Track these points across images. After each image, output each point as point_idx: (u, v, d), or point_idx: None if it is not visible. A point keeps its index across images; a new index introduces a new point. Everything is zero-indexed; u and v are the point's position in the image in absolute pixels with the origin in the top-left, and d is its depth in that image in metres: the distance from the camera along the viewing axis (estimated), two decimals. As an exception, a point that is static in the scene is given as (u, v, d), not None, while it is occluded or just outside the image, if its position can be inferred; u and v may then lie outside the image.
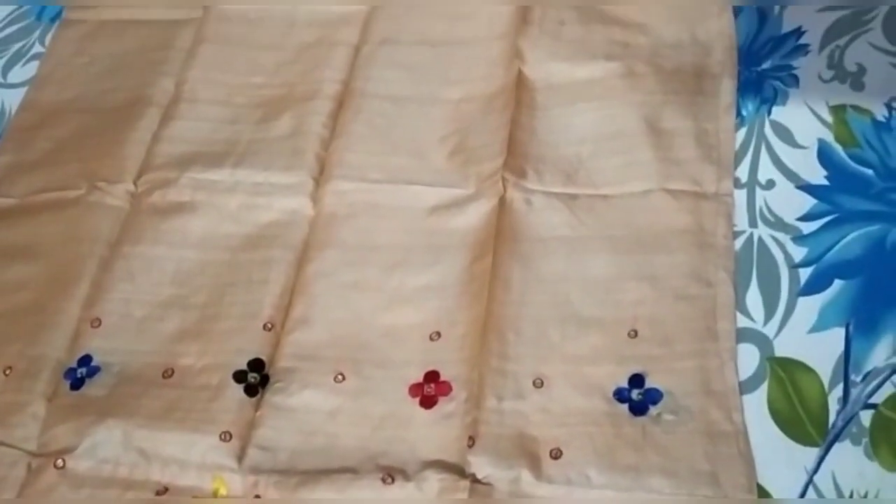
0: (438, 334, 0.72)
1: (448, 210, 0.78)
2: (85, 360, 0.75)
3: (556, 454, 0.63)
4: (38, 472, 0.70)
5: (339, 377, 0.71)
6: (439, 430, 0.67)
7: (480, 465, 0.64)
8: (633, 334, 0.68)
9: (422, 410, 0.68)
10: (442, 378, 0.69)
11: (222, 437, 0.68)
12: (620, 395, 0.65)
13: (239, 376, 0.72)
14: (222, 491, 0.67)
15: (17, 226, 0.87)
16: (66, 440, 0.70)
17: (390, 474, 0.64)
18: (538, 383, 0.67)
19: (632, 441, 0.63)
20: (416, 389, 0.69)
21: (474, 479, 0.63)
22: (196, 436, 0.69)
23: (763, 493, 0.59)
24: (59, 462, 0.70)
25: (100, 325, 0.77)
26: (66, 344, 0.77)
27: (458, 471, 0.64)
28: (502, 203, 0.77)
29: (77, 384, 0.74)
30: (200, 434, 0.69)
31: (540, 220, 0.75)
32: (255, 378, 0.72)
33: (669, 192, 0.74)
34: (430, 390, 0.69)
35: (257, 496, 0.66)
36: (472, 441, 0.65)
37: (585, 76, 0.83)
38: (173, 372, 0.73)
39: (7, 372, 0.76)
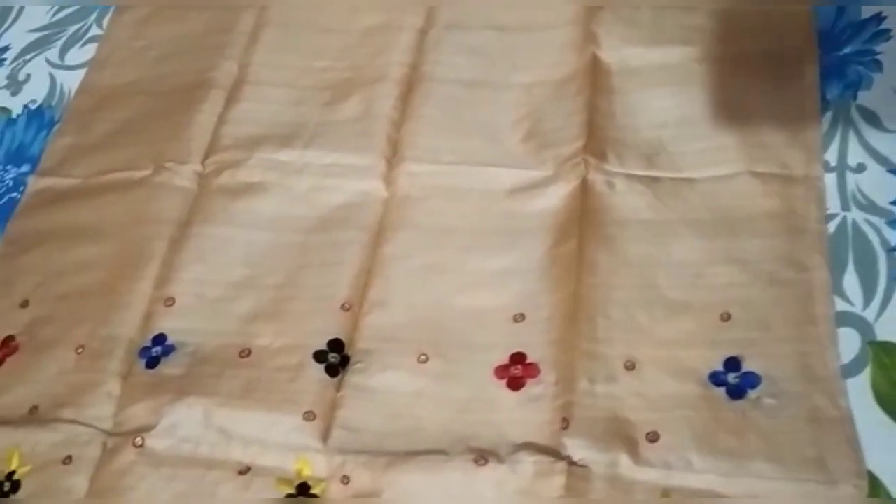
0: (522, 316, 0.70)
1: (526, 192, 0.77)
2: (159, 339, 0.74)
3: (652, 437, 0.62)
4: (115, 450, 0.69)
5: (423, 357, 0.69)
6: (528, 412, 0.65)
7: (576, 448, 0.62)
8: (726, 318, 0.66)
9: (509, 392, 0.67)
10: (528, 360, 0.68)
11: (306, 416, 0.67)
12: (716, 379, 0.64)
13: (319, 356, 0.70)
14: (305, 471, 0.66)
15: (82, 206, 0.86)
16: (145, 419, 0.69)
17: (483, 456, 0.63)
18: (629, 366, 0.66)
19: (732, 425, 0.61)
20: (501, 371, 0.68)
21: (570, 462, 0.62)
22: (278, 415, 0.67)
23: (872, 479, 0.58)
24: (138, 440, 0.68)
25: (173, 304, 0.76)
26: (139, 323, 0.75)
27: (553, 453, 0.62)
28: (584, 186, 0.75)
29: (153, 363, 0.73)
30: (283, 414, 0.67)
31: (623, 203, 0.74)
32: (336, 358, 0.70)
33: (756, 174, 0.73)
34: (516, 372, 0.68)
35: (345, 477, 0.64)
36: (566, 423, 0.63)
37: (661, 60, 0.82)
38: (250, 352, 0.72)
39: (79, 351, 0.75)
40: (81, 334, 0.76)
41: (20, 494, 0.69)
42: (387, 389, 0.68)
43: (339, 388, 0.69)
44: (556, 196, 0.76)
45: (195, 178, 0.85)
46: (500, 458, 0.63)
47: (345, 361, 0.70)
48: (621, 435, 0.62)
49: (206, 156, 0.85)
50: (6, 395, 0.75)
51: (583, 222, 0.73)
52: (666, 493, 0.60)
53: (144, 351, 0.74)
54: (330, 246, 0.78)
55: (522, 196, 0.77)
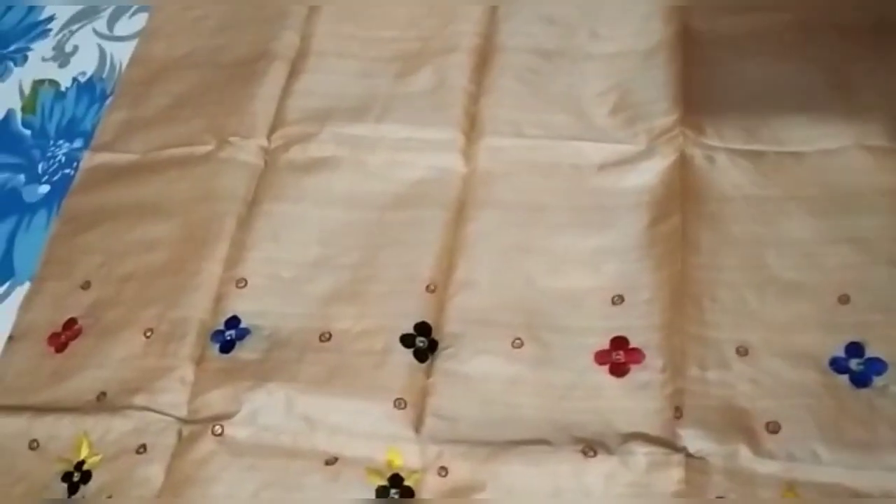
0: (621, 298, 0.66)
1: (618, 168, 0.73)
2: (232, 322, 0.70)
3: (773, 428, 0.58)
4: (193, 439, 0.65)
5: (517, 342, 0.66)
6: (636, 400, 0.61)
7: (692, 439, 0.58)
8: (845, 300, 0.62)
9: (612, 379, 0.63)
10: (631, 345, 0.64)
11: (397, 404, 0.63)
12: (838, 366, 0.60)
13: (406, 340, 0.66)
14: (397, 462, 0.62)
15: (143, 183, 0.82)
16: (222, 406, 0.66)
17: (590, 447, 0.59)
18: (742, 352, 0.62)
19: (858, 415, 0.57)
20: (602, 357, 0.64)
21: (687, 454, 0.58)
22: (366, 403, 0.64)
23: None
24: (217, 429, 0.65)
25: (245, 285, 0.72)
26: (210, 305, 0.72)
27: (668, 444, 0.58)
28: (682, 160, 0.71)
29: (227, 347, 0.69)
30: (371, 401, 0.64)
31: (724, 179, 0.69)
32: (423, 343, 0.66)
33: (867, 148, 0.68)
34: (619, 357, 0.64)
35: (442, 468, 0.61)
36: (678, 412, 0.59)
37: (754, 27, 0.78)
38: (330, 336, 0.68)
39: (147, 335, 0.71)
40: (149, 317, 0.72)
41: (92, 485, 0.65)
42: (481, 376, 0.64)
43: (428, 373, 0.65)
44: (652, 172, 0.72)
45: (261, 153, 0.81)
46: (609, 450, 0.59)
47: (433, 346, 0.66)
48: (739, 425, 0.59)
49: (272, 130, 0.81)
50: (71, 380, 0.71)
51: (683, 199, 0.69)
52: (791, 486, 0.56)
53: (217, 335, 0.70)
54: (409, 224, 0.73)
55: (614, 172, 0.73)
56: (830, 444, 0.57)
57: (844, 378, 0.59)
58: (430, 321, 0.68)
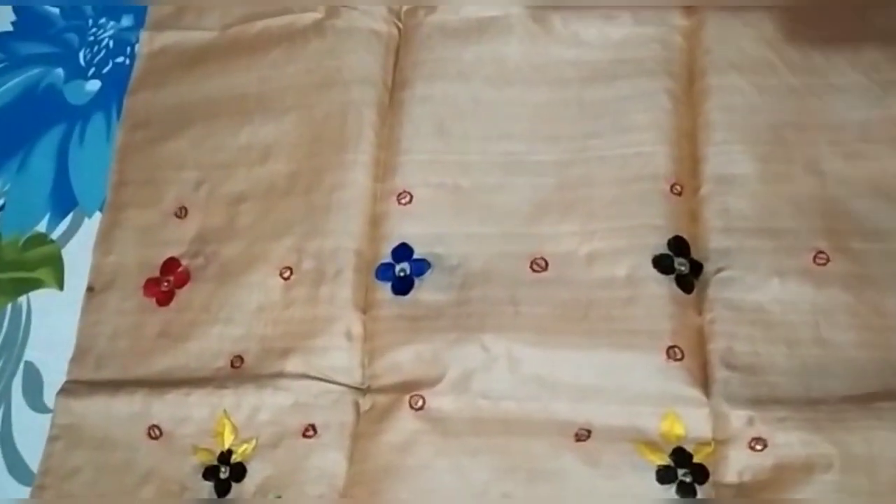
0: (953, 185, 0.48)
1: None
2: (402, 251, 0.52)
3: None
4: (380, 415, 0.48)
5: (821, 256, 0.48)
6: None
7: None
8: None
9: (963, 299, 0.46)
10: (983, 250, 0.47)
11: (670, 353, 0.46)
12: None
13: (663, 263, 0.48)
14: (677, 431, 0.46)
15: (233, 69, 0.60)
16: (420, 369, 0.48)
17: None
18: None
19: None
20: (950, 268, 0.47)
21: None
22: (624, 354, 0.46)
23: None
24: (417, 401, 0.48)
25: (410, 200, 0.53)
26: (366, 230, 0.53)
27: None
28: None
29: (403, 286, 0.51)
30: (633, 351, 0.46)
31: None
32: (685, 265, 0.48)
33: None
34: (969, 269, 0.47)
35: (757, 440, 0.44)
36: None
37: None
38: (546, 264, 0.50)
39: (286, 275, 0.53)
40: (283, 251, 0.53)
41: (248, 483, 0.49)
42: (776, 306, 0.46)
43: (699, 308, 0.48)
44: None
45: (391, 17, 0.60)
46: None
47: (696, 269, 0.49)
48: None
49: (401, -16, 0.60)
50: (190, 341, 0.53)
51: None
52: None
53: (385, 269, 0.51)
54: (623, 101, 0.53)
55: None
56: None
57: None
58: (684, 235, 0.50)
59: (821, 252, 0.48)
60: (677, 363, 0.46)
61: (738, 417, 0.44)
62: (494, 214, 0.52)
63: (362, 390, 0.50)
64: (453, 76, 0.56)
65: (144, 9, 0.67)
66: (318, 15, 0.60)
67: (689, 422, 0.45)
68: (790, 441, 0.43)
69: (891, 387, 0.44)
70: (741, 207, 0.49)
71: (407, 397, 0.48)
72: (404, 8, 0.59)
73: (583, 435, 0.46)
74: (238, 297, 0.53)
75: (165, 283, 0.55)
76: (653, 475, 0.45)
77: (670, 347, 0.46)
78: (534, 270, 0.50)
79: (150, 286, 0.56)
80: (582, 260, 0.50)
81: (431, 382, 0.48)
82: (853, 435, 0.43)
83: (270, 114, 0.58)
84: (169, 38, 0.64)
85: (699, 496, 0.44)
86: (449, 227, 0.52)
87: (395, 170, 0.54)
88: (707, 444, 0.45)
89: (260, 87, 0.59)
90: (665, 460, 0.45)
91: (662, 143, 0.52)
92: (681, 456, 0.45)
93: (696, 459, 0.45)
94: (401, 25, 0.59)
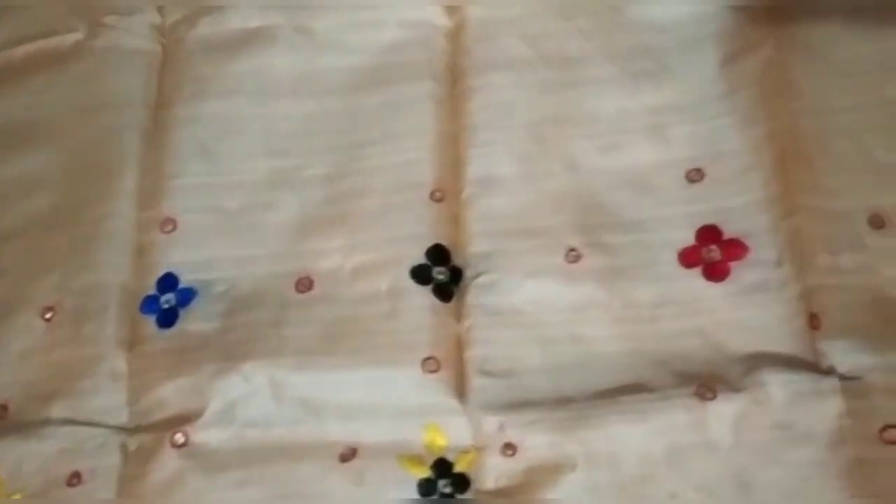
0: (699, 172, 0.49)
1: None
2: (167, 281, 0.50)
3: (940, 319, 0.44)
4: (146, 455, 0.47)
5: (573, 253, 0.48)
6: (748, 310, 0.45)
7: (839, 353, 0.43)
8: None
9: (709, 285, 0.46)
10: (726, 235, 0.47)
11: (426, 365, 0.46)
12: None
13: (420, 273, 0.48)
14: (439, 442, 0.46)
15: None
16: (180, 403, 0.47)
17: (707, 385, 0.44)
18: (876, 222, 0.46)
19: None
20: (691, 256, 0.47)
21: (841, 376, 0.43)
22: (384, 370, 0.46)
23: None
24: (178, 437, 0.47)
25: (174, 228, 0.51)
26: (130, 262, 0.51)
27: (809, 366, 0.43)
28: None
29: (167, 319, 0.49)
30: (389, 366, 0.46)
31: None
32: (444, 273, 0.49)
33: None
34: (713, 255, 0.47)
35: (508, 446, 0.44)
36: (815, 321, 0.44)
37: None
38: (312, 282, 0.49)
39: (48, 316, 0.50)
40: (47, 289, 0.51)
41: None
42: (531, 307, 0.47)
43: (458, 315, 0.48)
44: (714, -10, 0.53)
45: (155, 34, 0.58)
46: (730, 385, 0.43)
47: (456, 276, 0.49)
48: (894, 323, 0.44)
49: (166, -2, 0.58)
50: (-51, 393, 0.51)
51: (767, 23, 0.51)
52: (980, 395, 0.42)
53: (150, 302, 0.50)
54: (387, 108, 0.53)
55: (659, -1, 0.53)
56: None
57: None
58: (446, 242, 0.49)
59: (572, 249, 0.48)
60: (433, 374, 0.46)
61: (490, 424, 0.45)
62: (263, 235, 0.51)
63: (129, 430, 0.48)
64: (217, 93, 0.54)
65: None
66: (79, 36, 0.58)
67: (451, 431, 0.45)
68: (538, 444, 0.44)
69: (639, 379, 0.45)
70: (502, 209, 0.49)
71: (169, 434, 0.46)
72: (168, 23, 0.58)
73: (348, 454, 0.46)
74: (0, 342, 0.51)
75: (-68, 332, 0.53)
76: (415, 488, 0.45)
77: (426, 359, 0.46)
78: (299, 291, 0.49)
79: None
80: (347, 276, 0.49)
81: (193, 417, 0.46)
82: (597, 432, 0.43)
83: (34, 143, 0.56)
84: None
85: (455, 506, 0.44)
86: (217, 252, 0.51)
87: (160, 196, 0.52)
88: (468, 452, 0.45)
89: (26, 116, 0.57)
90: (427, 472, 0.45)
91: (426, 148, 0.52)
92: (442, 467, 0.45)
93: (458, 468, 0.45)
94: (165, 42, 0.57)
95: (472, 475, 0.45)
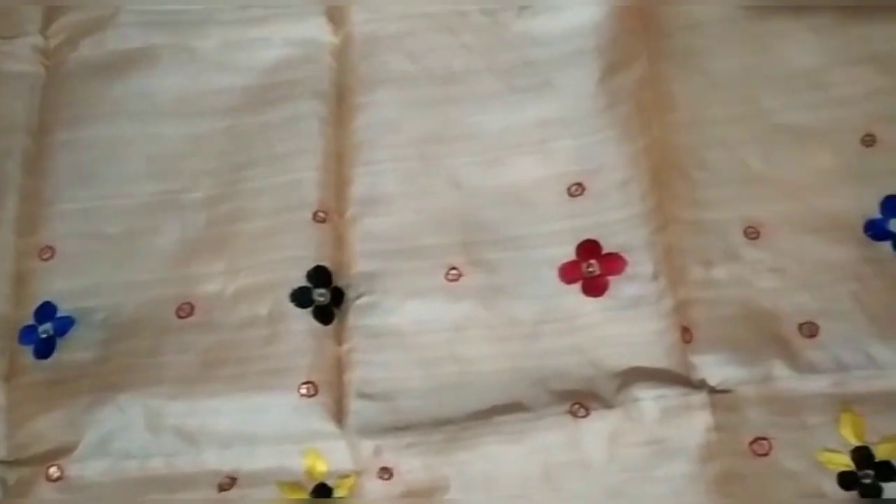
0: (580, 187, 0.49)
1: (546, 8, 0.53)
2: (45, 310, 0.49)
3: (810, 331, 0.44)
4: (24, 489, 0.46)
5: (453, 272, 0.48)
6: (625, 325, 0.45)
7: (710, 366, 0.43)
8: (870, 141, 0.47)
9: (588, 300, 0.46)
10: (605, 249, 0.48)
11: (304, 390, 0.45)
12: (876, 230, 0.46)
13: (300, 297, 0.47)
14: (319, 468, 0.45)
15: None
16: (56, 437, 0.46)
17: (580, 402, 0.44)
18: (751, 233, 0.46)
19: (915, 293, 0.44)
20: (571, 271, 0.47)
21: (711, 389, 0.43)
22: (262, 396, 0.45)
23: None
24: (53, 471, 0.45)
25: (52, 255, 0.50)
26: (9, 290, 0.50)
27: (681, 380, 0.43)
28: (631, -20, 0.52)
29: (45, 349, 0.48)
30: (268, 392, 0.45)
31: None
32: (324, 296, 0.48)
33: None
34: (592, 270, 0.47)
35: (384, 470, 0.44)
36: (688, 334, 0.44)
37: None
38: (192, 307, 0.49)
39: (-78, 349, 0.50)
40: (-80, 322, 0.50)
41: None
42: (413, 327, 0.46)
43: (339, 338, 0.47)
44: (596, 7, 0.52)
45: (37, 56, 0.56)
46: (605, 402, 0.44)
47: (338, 297, 0.48)
48: (767, 335, 0.44)
49: (48, 20, 0.56)
50: None
51: (645, 37, 0.51)
52: (846, 405, 0.43)
53: (28, 332, 0.49)
54: (273, 128, 0.52)
55: (543, 10, 0.53)
56: (887, 340, 0.43)
57: (887, 246, 0.45)
58: (328, 264, 0.48)
59: (453, 268, 0.48)
60: (311, 399, 0.45)
61: (367, 448, 0.44)
62: (144, 260, 0.50)
63: (8, 463, 0.47)
64: (98, 116, 0.53)
65: None
66: (-43, 58, 0.57)
67: (331, 456, 0.45)
68: (414, 467, 0.43)
69: (516, 398, 0.44)
70: (385, 229, 0.49)
71: (44, 469, 0.45)
72: (51, 46, 0.56)
73: (226, 484, 0.45)
74: None
75: None
76: (298, 519, 0.44)
77: (304, 383, 0.45)
78: (180, 317, 0.48)
79: None
80: (229, 300, 0.48)
81: (68, 450, 0.45)
82: (472, 453, 0.43)
83: None
84: None
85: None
86: (97, 279, 0.50)
87: (39, 223, 0.51)
88: (348, 476, 0.45)
89: None
90: (306, 497, 0.44)
91: (311, 168, 0.51)
92: (321, 491, 0.44)
93: (337, 494, 0.44)
94: (48, 64, 0.56)
95: (351, 500, 0.44)
